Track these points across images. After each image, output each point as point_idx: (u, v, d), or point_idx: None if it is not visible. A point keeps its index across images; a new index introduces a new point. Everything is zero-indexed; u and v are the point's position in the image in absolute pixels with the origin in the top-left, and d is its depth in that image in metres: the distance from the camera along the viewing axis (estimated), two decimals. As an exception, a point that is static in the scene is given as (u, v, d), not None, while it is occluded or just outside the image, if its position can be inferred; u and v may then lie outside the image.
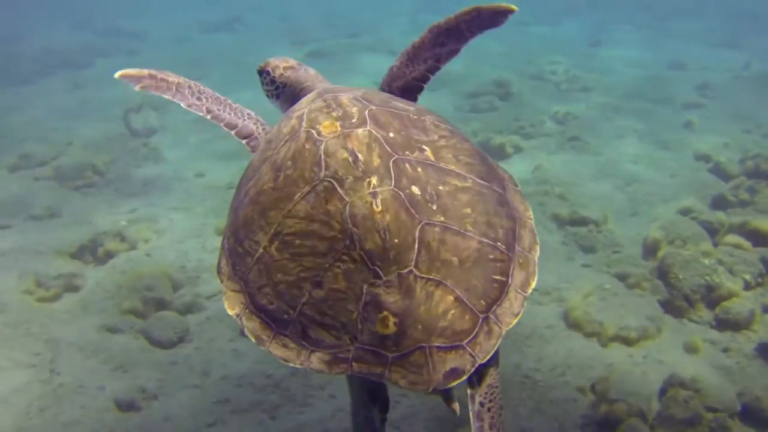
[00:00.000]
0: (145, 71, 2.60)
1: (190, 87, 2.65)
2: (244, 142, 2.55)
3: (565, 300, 6.11)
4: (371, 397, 1.93)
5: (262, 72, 2.62)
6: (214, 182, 8.67)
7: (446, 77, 13.12)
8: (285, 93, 2.54)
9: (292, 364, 1.84)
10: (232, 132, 2.57)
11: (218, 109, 2.59)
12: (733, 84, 12.67)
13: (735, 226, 6.81)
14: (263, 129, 2.59)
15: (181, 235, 7.37)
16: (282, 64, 2.57)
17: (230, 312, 2.06)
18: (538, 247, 2.18)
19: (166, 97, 2.64)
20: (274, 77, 2.56)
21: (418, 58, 2.48)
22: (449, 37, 2.44)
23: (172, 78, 2.66)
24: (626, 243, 7.03)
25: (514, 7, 2.43)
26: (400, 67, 2.51)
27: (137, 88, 2.55)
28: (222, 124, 2.58)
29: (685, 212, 7.37)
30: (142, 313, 5.98)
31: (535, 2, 21.78)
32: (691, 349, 5.42)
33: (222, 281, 2.14)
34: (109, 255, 7.02)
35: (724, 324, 5.72)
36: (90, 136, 10.54)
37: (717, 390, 4.82)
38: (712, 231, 6.89)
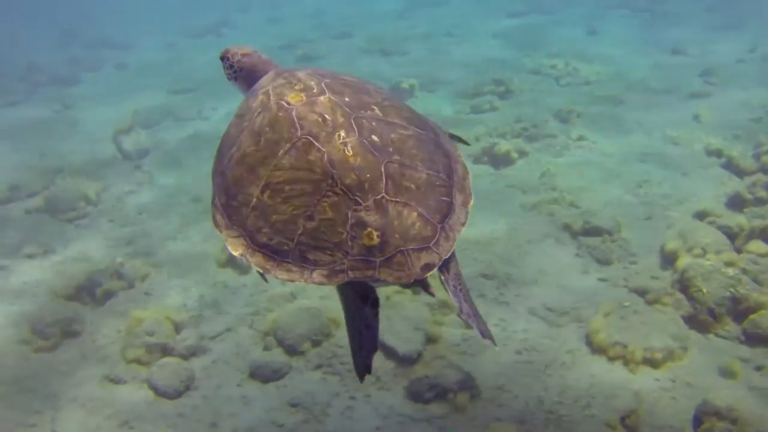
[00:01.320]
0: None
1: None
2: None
3: (584, 320, 5.85)
4: (363, 299, 2.25)
5: (223, 58, 2.97)
6: (206, 206, 8.36)
7: (444, 76, 12.84)
8: (242, 76, 2.91)
9: (297, 282, 2.19)
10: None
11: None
12: (739, 68, 12.31)
13: (757, 231, 6.54)
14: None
15: (181, 269, 7.10)
16: (240, 51, 2.95)
17: (234, 253, 2.34)
18: (469, 175, 2.60)
19: None
20: (233, 63, 2.93)
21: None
22: None
23: None
24: (642, 252, 6.77)
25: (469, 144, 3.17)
26: None
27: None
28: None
29: (701, 216, 7.09)
30: (145, 361, 5.73)
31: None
32: (727, 373, 5.15)
33: (221, 232, 2.42)
34: (108, 295, 6.76)
35: (753, 339, 5.48)
36: (81, 160, 10.24)
37: (756, 417, 4.57)
38: (732, 236, 6.62)
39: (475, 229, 7.31)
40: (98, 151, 10.54)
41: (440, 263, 2.26)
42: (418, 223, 2.22)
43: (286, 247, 2.21)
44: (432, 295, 2.40)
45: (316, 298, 6.29)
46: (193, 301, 6.52)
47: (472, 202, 2.48)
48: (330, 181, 2.19)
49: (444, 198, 2.38)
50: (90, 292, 6.82)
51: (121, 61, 17.30)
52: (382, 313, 5.57)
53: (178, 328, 6.06)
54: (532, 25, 17.02)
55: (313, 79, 2.52)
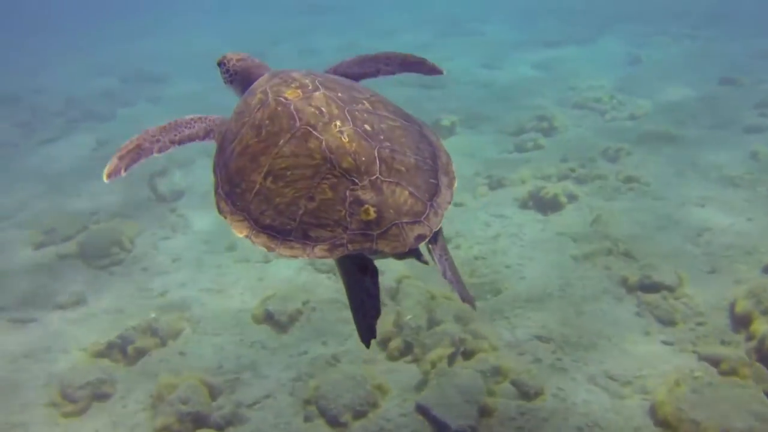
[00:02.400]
0: (115, 160, 2.82)
1: (147, 139, 2.91)
2: (206, 140, 2.95)
3: (649, 391, 5.35)
4: (362, 271, 2.38)
5: (221, 64, 3.14)
6: (245, 256, 8.09)
7: (484, 111, 12.47)
8: (238, 79, 3.08)
9: (300, 258, 2.29)
10: (195, 141, 2.95)
11: (174, 137, 2.93)
12: (795, 100, 11.74)
13: (839, 291, 5.99)
14: (213, 120, 2.99)
15: (216, 325, 6.78)
16: (235, 57, 3.13)
17: (239, 235, 2.43)
18: (452, 162, 2.71)
19: (140, 161, 2.89)
20: (229, 68, 3.10)
21: (365, 65, 3.22)
22: (393, 64, 3.27)
23: (132, 144, 2.89)
24: (710, 311, 6.25)
25: (443, 71, 3.30)
26: (349, 66, 3.21)
27: (123, 174, 2.81)
28: (186, 143, 2.94)
29: (773, 270, 6.57)
30: (176, 431, 5.39)
31: (565, 19, 21.13)
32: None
33: (226, 217, 2.52)
34: (140, 353, 6.47)
35: None
36: (115, 202, 10.07)
37: None
38: (811, 295, 6.07)
39: (526, 284, 6.88)
40: (133, 191, 10.36)
41: (431, 235, 2.38)
42: (410, 200, 2.36)
43: (289, 227, 2.33)
44: (425, 263, 2.49)
45: (360, 362, 5.92)
46: (230, 362, 6.18)
47: (456, 184, 2.62)
48: (328, 165, 2.33)
49: (431, 180, 2.51)
50: (122, 349, 6.54)
51: (155, 95, 17.30)
52: (434, 382, 5.19)
53: (213, 393, 5.72)
54: (571, 55, 16.64)
55: (308, 77, 2.70)
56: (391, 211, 2.30)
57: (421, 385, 5.57)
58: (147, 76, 19.43)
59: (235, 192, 2.51)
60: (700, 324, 6.12)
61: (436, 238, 2.49)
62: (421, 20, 23.88)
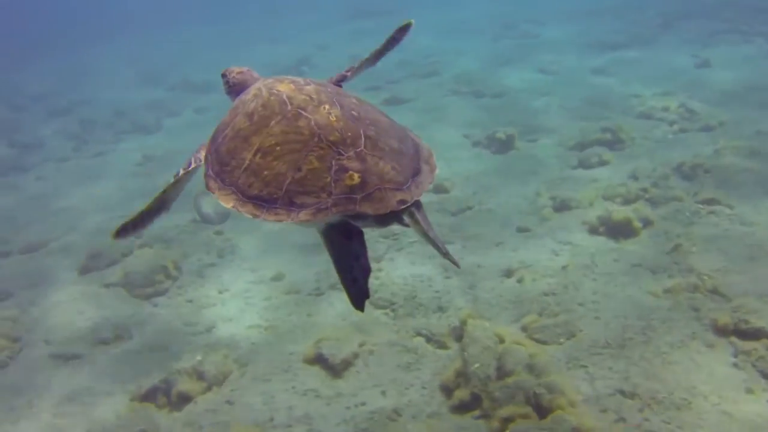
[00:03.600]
0: (129, 227, 2.87)
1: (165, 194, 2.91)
2: (194, 165, 2.84)
3: (759, 465, 4.66)
4: (347, 237, 2.37)
5: (223, 76, 3.23)
6: (295, 286, 7.63)
7: (543, 122, 11.75)
8: (236, 90, 3.12)
9: (284, 222, 2.33)
10: (191, 167, 2.85)
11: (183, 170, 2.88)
12: None
13: None
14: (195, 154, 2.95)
15: (266, 368, 6.33)
16: (236, 69, 3.22)
17: (226, 206, 2.46)
18: (434, 156, 2.75)
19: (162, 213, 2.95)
20: (229, 79, 3.18)
21: (360, 70, 3.23)
22: (376, 56, 3.27)
23: (149, 207, 2.90)
24: (822, 364, 5.49)
25: (412, 22, 3.26)
26: (348, 78, 3.20)
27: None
28: (189, 172, 2.86)
29: None
30: (225, 497, 4.94)
31: (623, 18, 20.11)
32: None
33: (214, 192, 2.55)
34: (185, 398, 6.07)
35: None
36: (159, 225, 9.72)
37: None
38: None
39: (603, 326, 6.22)
40: (178, 212, 10.04)
41: (412, 201, 2.42)
42: (392, 172, 2.41)
43: (275, 196, 2.36)
44: (407, 225, 2.54)
45: (423, 417, 5.38)
46: (281, 414, 5.71)
47: (437, 171, 2.68)
48: (316, 139, 2.39)
49: (413, 165, 2.58)
50: (166, 392, 6.16)
51: (202, 105, 17.09)
52: None
53: (263, 452, 5.27)
54: (632, 58, 15.66)
55: (299, 78, 2.82)
56: (375, 177, 2.35)
57: (492, 449, 5.00)
58: (193, 86, 19.28)
59: (224, 170, 2.56)
60: (811, 380, 5.38)
61: (418, 208, 2.54)
62: (471, 21, 23.16)
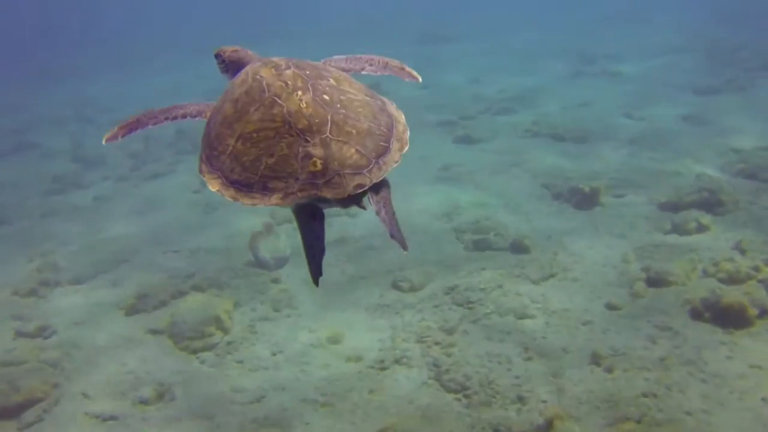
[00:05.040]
0: (116, 129, 3.18)
1: (146, 114, 3.19)
2: (197, 119, 3.14)
3: None
4: (312, 217, 2.58)
5: (217, 55, 3.32)
6: (356, 352, 6.89)
7: (630, 177, 10.69)
8: (231, 68, 3.24)
9: (259, 205, 2.53)
10: (187, 118, 3.15)
11: (169, 114, 3.16)
12: None
13: None
14: (208, 105, 3.16)
15: (320, 457, 5.58)
16: (229, 49, 3.30)
17: (213, 189, 2.67)
18: (408, 131, 2.85)
19: (137, 131, 3.18)
20: (224, 58, 3.28)
21: (351, 63, 3.33)
22: (376, 65, 3.37)
23: (133, 118, 3.20)
24: None
25: (419, 78, 3.38)
26: (337, 62, 3.31)
27: (120, 140, 3.17)
28: (180, 120, 3.15)
29: None
30: None
31: (716, 58, 18.77)
32: None
33: (204, 175, 2.74)
34: (228, 488, 5.36)
35: None
36: (213, 265, 9.19)
37: None
38: None
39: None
40: (233, 252, 9.48)
41: (370, 185, 2.56)
42: (355, 156, 2.56)
43: (252, 180, 2.56)
44: (364, 208, 2.64)
45: None
46: None
47: (407, 148, 2.76)
48: (287, 127, 2.56)
49: (382, 143, 2.69)
50: (208, 477, 5.47)
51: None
52: None
53: None
54: (727, 105, 14.30)
55: (284, 61, 2.91)
56: (336, 163, 2.50)
57: None
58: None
59: (213, 155, 2.73)
60: None
61: (378, 190, 2.64)
62: (546, 54, 22.20)
